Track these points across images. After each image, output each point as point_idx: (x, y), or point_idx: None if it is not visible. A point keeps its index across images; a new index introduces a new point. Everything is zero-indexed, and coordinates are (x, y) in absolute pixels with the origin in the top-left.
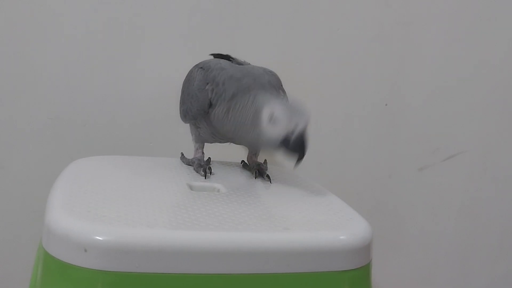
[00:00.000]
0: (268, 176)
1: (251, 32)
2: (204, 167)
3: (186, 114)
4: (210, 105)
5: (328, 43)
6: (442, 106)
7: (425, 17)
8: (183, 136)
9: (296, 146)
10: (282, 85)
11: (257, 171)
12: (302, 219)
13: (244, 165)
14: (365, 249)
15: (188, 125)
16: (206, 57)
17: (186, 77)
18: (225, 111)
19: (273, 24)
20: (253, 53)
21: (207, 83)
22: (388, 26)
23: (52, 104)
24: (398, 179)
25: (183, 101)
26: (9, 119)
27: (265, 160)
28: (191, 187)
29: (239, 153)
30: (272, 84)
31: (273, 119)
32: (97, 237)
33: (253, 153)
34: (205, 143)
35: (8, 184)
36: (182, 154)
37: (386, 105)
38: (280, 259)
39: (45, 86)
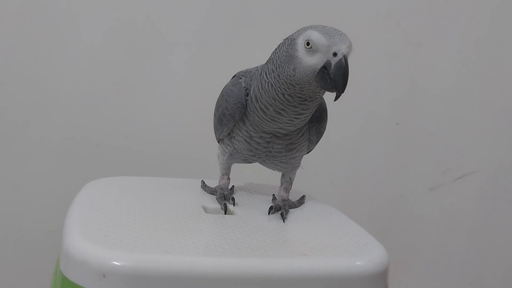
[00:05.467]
0: (282, 214)
1: (256, 52)
2: (225, 201)
3: (223, 116)
4: (247, 96)
5: None
6: (453, 126)
7: (436, 38)
8: (195, 156)
9: (338, 72)
10: None
11: (272, 207)
12: (318, 244)
13: (273, 198)
14: (382, 275)
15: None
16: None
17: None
18: (261, 74)
19: None
20: None
21: (240, 78)
22: (399, 47)
23: (66, 124)
24: (409, 199)
25: (217, 108)
26: (23, 138)
27: (303, 196)
28: (205, 209)
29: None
30: None
31: (310, 45)
32: (116, 263)
33: (286, 181)
34: (232, 168)
35: (21, 203)
36: (203, 182)
37: (397, 124)
38: (297, 286)
39: (60, 106)
